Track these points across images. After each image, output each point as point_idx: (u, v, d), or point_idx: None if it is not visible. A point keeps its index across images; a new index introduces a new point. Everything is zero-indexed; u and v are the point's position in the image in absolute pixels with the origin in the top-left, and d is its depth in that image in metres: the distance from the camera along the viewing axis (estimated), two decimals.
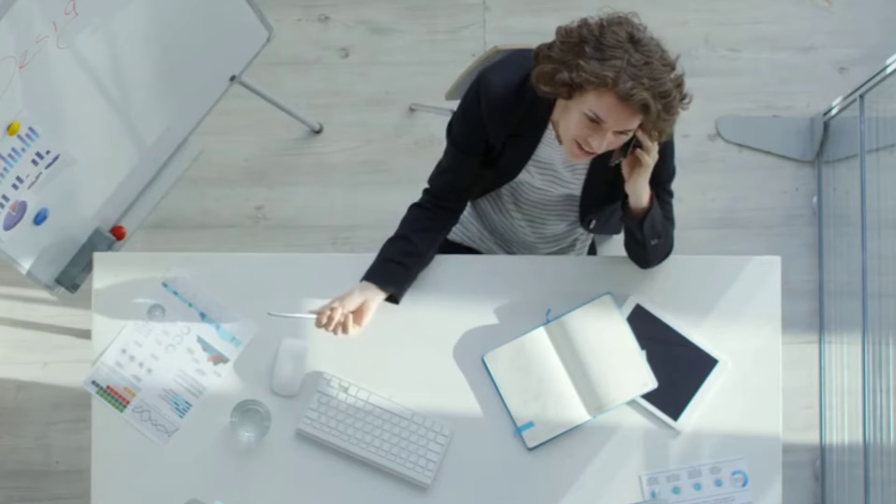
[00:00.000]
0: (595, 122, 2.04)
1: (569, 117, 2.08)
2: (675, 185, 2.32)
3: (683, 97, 2.05)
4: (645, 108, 2.00)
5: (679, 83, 2.03)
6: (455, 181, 2.35)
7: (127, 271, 2.41)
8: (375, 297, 2.31)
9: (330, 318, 2.27)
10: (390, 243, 2.35)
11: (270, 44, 2.77)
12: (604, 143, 2.07)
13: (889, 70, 2.89)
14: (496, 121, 2.21)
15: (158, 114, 2.60)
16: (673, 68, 2.02)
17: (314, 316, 2.29)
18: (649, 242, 2.28)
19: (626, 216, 2.26)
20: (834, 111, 3.24)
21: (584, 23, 2.05)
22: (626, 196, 2.24)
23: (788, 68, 3.42)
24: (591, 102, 2.02)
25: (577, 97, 2.04)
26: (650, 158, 2.13)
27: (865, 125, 3.04)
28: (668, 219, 2.31)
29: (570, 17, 2.08)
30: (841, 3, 3.45)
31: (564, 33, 2.06)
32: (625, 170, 2.17)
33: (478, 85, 2.20)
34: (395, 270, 2.33)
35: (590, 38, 2.01)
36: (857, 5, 3.45)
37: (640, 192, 2.20)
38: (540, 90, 2.09)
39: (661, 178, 2.25)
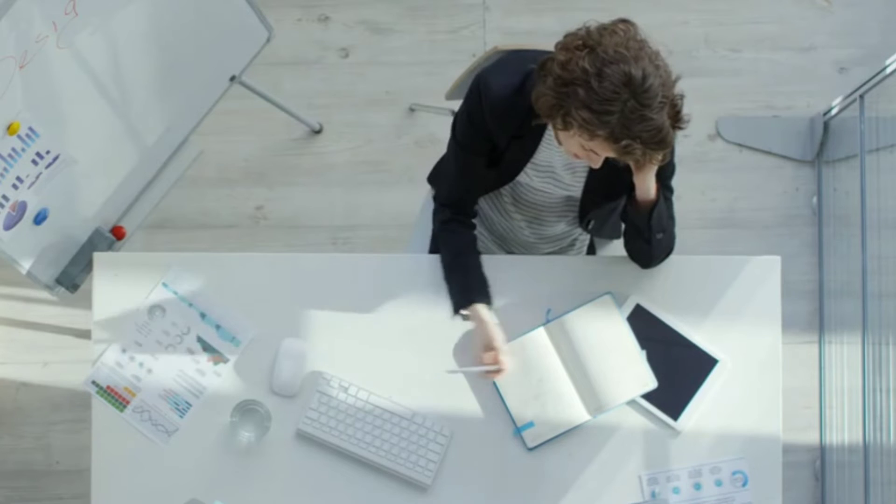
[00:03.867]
0: (591, 151, 2.05)
1: (567, 139, 2.07)
2: (675, 185, 2.32)
3: (681, 124, 2.02)
4: (637, 158, 2.00)
5: (676, 112, 2.00)
6: (471, 185, 2.35)
7: (127, 271, 2.41)
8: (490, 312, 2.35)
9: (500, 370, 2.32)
10: (457, 267, 2.36)
11: (270, 44, 2.77)
12: (599, 163, 2.09)
13: (889, 70, 2.89)
14: (499, 122, 2.20)
15: (158, 114, 2.60)
16: (671, 99, 1.98)
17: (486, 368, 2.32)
18: (655, 237, 2.28)
19: (633, 210, 2.26)
20: (834, 111, 3.24)
21: (581, 51, 1.96)
22: (630, 192, 2.24)
23: (788, 68, 3.42)
24: (586, 140, 2.00)
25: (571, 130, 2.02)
26: (651, 162, 2.13)
27: (865, 125, 3.04)
28: (670, 216, 2.31)
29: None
30: (841, 3, 3.45)
31: (561, 66, 1.97)
32: (633, 164, 2.17)
33: (478, 87, 2.19)
34: (483, 282, 2.36)
35: (584, 81, 1.93)
36: (857, 5, 3.45)
37: (648, 185, 2.20)
38: (539, 114, 2.08)
39: (663, 175, 2.25)
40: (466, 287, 2.35)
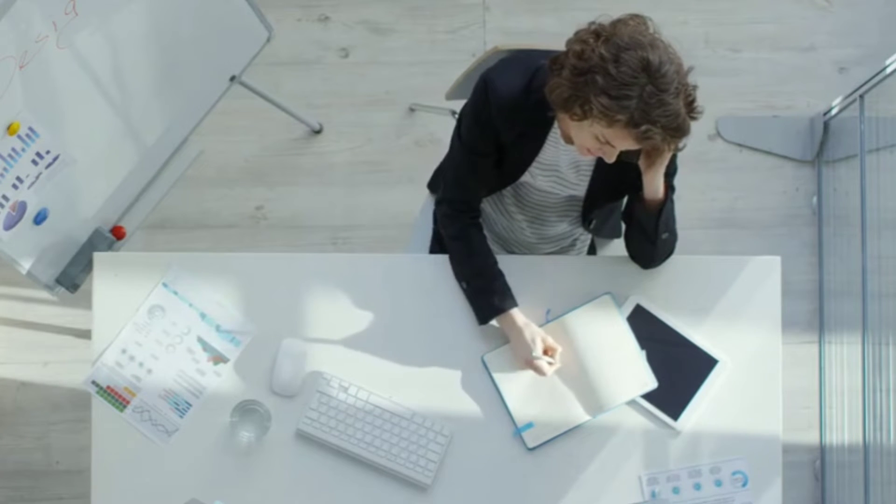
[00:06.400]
0: (606, 143, 2.04)
1: (580, 133, 2.07)
2: (676, 185, 2.32)
3: (695, 113, 2.02)
4: (656, 144, 2.00)
5: (691, 101, 2.00)
6: (476, 185, 2.35)
7: (127, 271, 2.41)
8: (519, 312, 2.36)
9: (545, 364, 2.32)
10: (475, 271, 2.36)
11: (270, 44, 2.77)
12: (614, 157, 2.08)
13: (889, 70, 2.89)
14: (507, 121, 2.20)
15: (158, 114, 2.60)
16: (686, 88, 1.98)
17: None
18: (661, 236, 2.28)
19: (641, 211, 2.26)
20: (834, 111, 3.24)
21: (596, 41, 1.97)
22: (635, 191, 2.24)
23: (788, 68, 3.42)
24: (603, 129, 2.00)
25: (589, 120, 2.02)
26: (668, 150, 2.12)
27: (865, 125, 3.04)
28: (673, 216, 2.31)
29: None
30: (841, 2, 3.45)
31: (577, 56, 1.98)
32: (643, 162, 2.17)
33: (485, 87, 2.18)
34: (505, 286, 2.36)
35: (601, 68, 1.94)
36: (857, 5, 3.45)
37: (657, 184, 2.20)
38: (553, 107, 2.08)
39: (667, 173, 2.25)
40: (492, 294, 2.34)
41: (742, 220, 3.35)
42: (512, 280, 2.37)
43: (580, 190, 2.34)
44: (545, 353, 2.32)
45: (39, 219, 2.37)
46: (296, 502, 2.34)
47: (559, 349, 2.33)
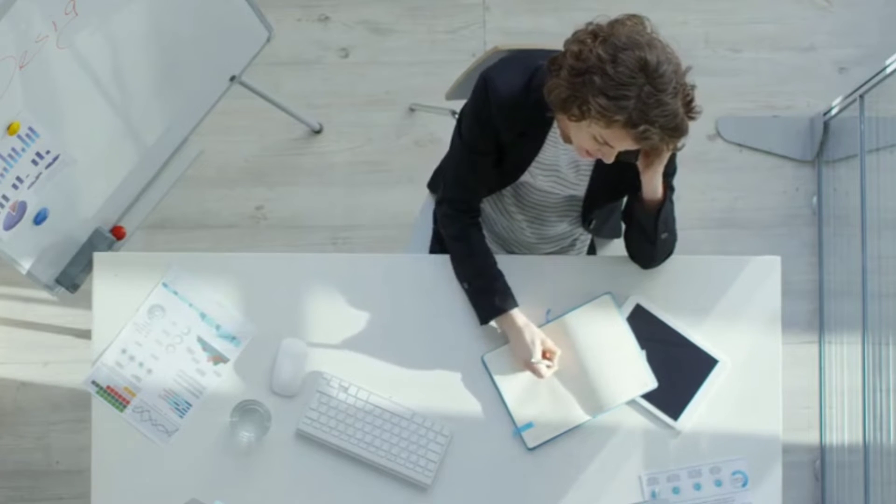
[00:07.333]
0: (604, 143, 2.04)
1: (578, 133, 2.07)
2: (675, 185, 2.32)
3: (693, 113, 2.02)
4: (654, 144, 2.00)
5: (689, 101, 2.00)
6: (476, 184, 2.35)
7: (127, 271, 2.41)
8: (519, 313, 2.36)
9: (543, 368, 2.33)
10: (475, 272, 2.37)
11: (270, 44, 2.77)
12: (612, 157, 2.08)
13: (889, 70, 2.89)
14: (506, 120, 2.20)
15: (158, 114, 2.60)
16: (684, 87, 1.98)
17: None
18: (660, 236, 2.28)
19: (640, 211, 2.26)
20: (834, 111, 3.24)
21: (594, 41, 1.97)
22: (635, 191, 2.24)
23: (788, 68, 3.42)
24: (601, 130, 2.00)
25: (587, 120, 2.02)
26: (666, 150, 2.12)
27: (865, 125, 3.04)
28: (673, 216, 2.31)
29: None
30: (841, 2, 3.45)
31: (574, 57, 1.98)
32: (641, 162, 2.17)
33: (485, 85, 2.18)
34: (505, 286, 2.36)
35: (599, 68, 1.94)
36: (857, 5, 3.45)
37: (656, 184, 2.20)
38: (551, 108, 2.08)
39: (665, 173, 2.25)
40: (493, 294, 2.34)
41: (742, 220, 3.35)
42: (512, 280, 2.37)
43: (580, 190, 2.34)
44: (544, 355, 2.33)
45: (39, 219, 2.37)
46: (296, 502, 2.34)
47: (558, 352, 2.34)
